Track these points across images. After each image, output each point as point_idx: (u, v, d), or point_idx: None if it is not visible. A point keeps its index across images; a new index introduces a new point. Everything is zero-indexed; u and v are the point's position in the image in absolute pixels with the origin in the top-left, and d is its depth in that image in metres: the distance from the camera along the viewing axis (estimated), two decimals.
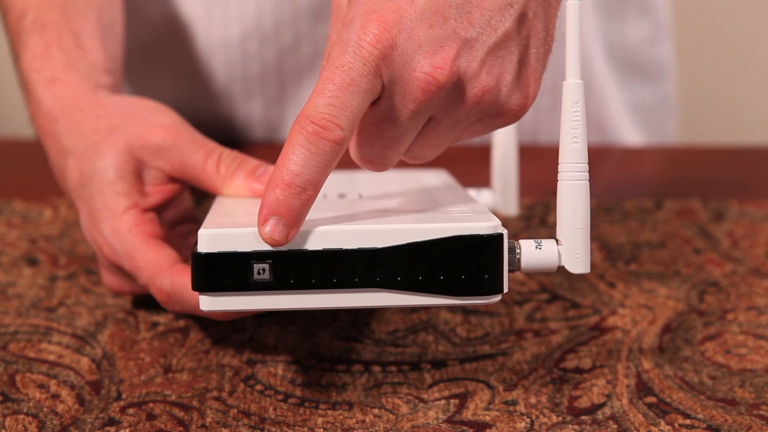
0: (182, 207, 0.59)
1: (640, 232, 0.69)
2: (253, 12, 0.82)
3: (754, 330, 0.57)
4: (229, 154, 0.55)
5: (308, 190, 0.45)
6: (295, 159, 0.44)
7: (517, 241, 0.48)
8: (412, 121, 0.47)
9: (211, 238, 0.45)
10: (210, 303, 0.46)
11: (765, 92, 1.79)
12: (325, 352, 0.55)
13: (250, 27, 0.82)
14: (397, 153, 0.48)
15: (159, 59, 0.87)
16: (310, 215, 0.49)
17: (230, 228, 0.46)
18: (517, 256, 0.48)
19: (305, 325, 0.57)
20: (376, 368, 0.53)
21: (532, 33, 0.48)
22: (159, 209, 0.56)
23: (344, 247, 0.45)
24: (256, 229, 0.45)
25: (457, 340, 0.56)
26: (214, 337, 0.56)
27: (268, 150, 0.86)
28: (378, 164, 0.49)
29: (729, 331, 0.56)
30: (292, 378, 0.52)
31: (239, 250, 0.45)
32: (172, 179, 0.56)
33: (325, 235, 0.45)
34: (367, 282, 0.45)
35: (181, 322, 0.57)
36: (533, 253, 0.48)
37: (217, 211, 0.51)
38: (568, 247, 0.48)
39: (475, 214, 0.48)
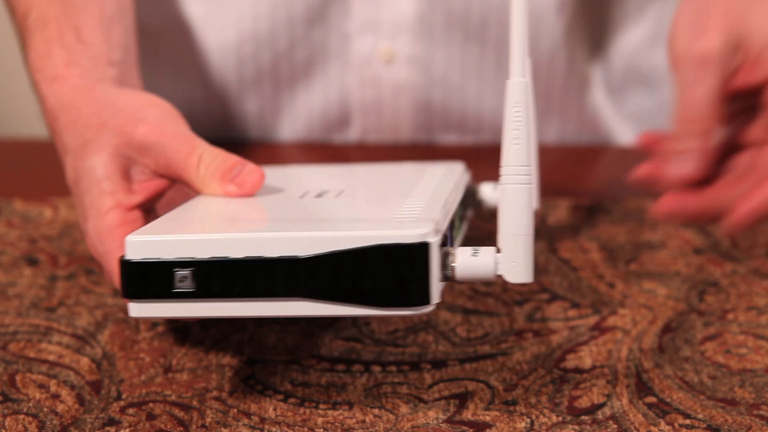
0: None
1: (640, 232, 0.69)
2: (249, 16, 0.82)
3: (754, 330, 0.57)
4: (209, 154, 0.54)
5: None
6: None
7: (454, 248, 0.46)
8: None
9: (135, 246, 0.45)
10: (138, 310, 0.46)
11: None
12: (325, 352, 0.55)
13: (246, 31, 0.82)
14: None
15: (154, 61, 0.87)
16: (251, 217, 0.49)
17: (156, 235, 0.46)
18: (452, 264, 0.46)
19: (305, 325, 0.57)
20: (376, 368, 0.53)
21: None
22: (148, 204, 0.56)
23: (266, 256, 0.44)
24: (181, 236, 0.45)
25: (457, 340, 0.56)
26: (214, 337, 0.56)
27: (265, 149, 0.86)
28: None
29: (729, 331, 0.57)
30: (292, 378, 0.52)
31: (162, 258, 0.45)
32: (159, 175, 0.56)
33: (247, 242, 0.44)
34: (290, 291, 0.44)
35: (181, 323, 0.57)
36: (469, 260, 0.46)
37: (168, 215, 0.51)
38: (507, 254, 0.46)
39: (407, 221, 0.46)
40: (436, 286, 0.44)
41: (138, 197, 0.55)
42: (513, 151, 0.46)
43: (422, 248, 0.44)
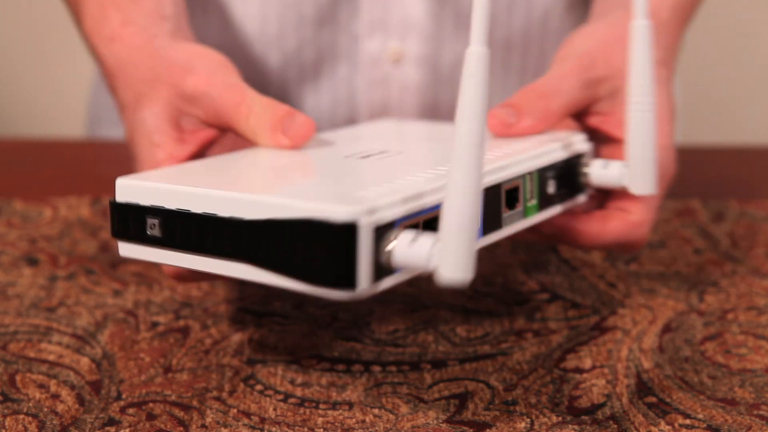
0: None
1: None
2: (257, 17, 0.82)
3: (754, 330, 0.57)
4: (259, 104, 0.54)
5: None
6: None
7: (400, 231, 0.42)
8: None
9: (121, 189, 0.48)
10: (124, 249, 0.49)
11: (765, 92, 1.79)
12: (325, 352, 0.55)
13: (254, 32, 0.82)
14: None
15: None
16: (241, 174, 0.50)
17: (139, 181, 0.48)
18: (388, 249, 0.42)
19: (305, 325, 0.57)
20: (376, 368, 0.53)
21: None
22: (200, 154, 0.57)
23: (217, 214, 0.45)
24: (157, 184, 0.47)
25: (457, 340, 0.56)
26: (214, 337, 0.56)
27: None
28: None
29: (729, 331, 0.57)
30: (292, 378, 0.52)
31: (139, 203, 0.47)
32: (209, 125, 0.57)
33: (207, 198, 0.46)
34: (235, 252, 0.45)
35: (181, 322, 0.57)
36: (404, 247, 0.42)
37: (184, 164, 0.53)
38: (445, 245, 0.41)
39: (352, 196, 0.43)
40: (365, 270, 0.42)
41: (189, 147, 0.56)
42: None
43: (349, 229, 0.41)
